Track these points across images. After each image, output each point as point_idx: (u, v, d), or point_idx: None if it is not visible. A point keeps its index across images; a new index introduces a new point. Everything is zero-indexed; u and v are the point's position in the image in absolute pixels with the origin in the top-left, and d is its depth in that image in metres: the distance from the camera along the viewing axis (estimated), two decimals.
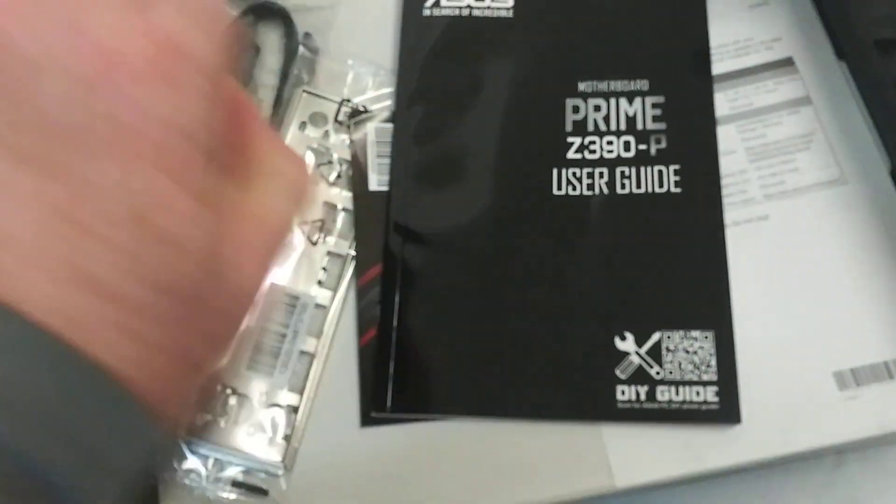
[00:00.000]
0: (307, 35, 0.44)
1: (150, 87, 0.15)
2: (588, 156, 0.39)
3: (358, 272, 0.39)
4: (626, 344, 0.35)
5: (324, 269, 0.39)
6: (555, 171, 0.39)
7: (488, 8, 0.43)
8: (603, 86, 0.41)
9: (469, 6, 0.43)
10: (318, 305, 0.38)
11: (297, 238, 0.39)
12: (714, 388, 0.34)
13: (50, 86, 0.14)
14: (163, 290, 0.16)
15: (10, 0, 0.14)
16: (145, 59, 0.15)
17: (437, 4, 0.43)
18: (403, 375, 0.36)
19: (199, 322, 0.17)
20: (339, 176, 0.41)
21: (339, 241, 0.39)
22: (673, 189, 0.38)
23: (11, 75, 0.14)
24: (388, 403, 0.35)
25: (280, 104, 0.42)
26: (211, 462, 0.37)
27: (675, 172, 0.38)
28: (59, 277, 0.14)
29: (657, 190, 0.38)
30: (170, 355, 0.16)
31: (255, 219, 0.19)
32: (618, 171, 0.38)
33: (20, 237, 0.14)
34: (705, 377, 0.34)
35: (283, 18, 0.44)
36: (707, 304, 0.36)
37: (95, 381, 0.14)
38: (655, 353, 0.35)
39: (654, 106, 0.40)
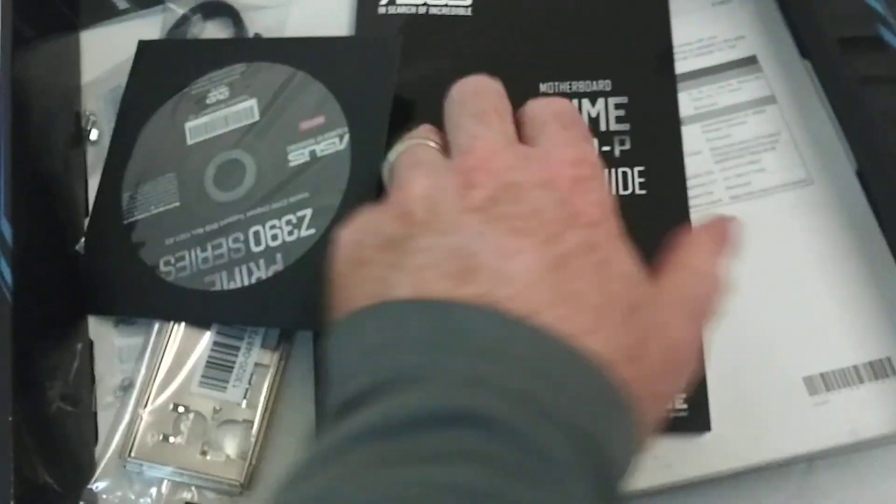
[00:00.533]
0: (257, 35, 0.42)
1: (586, 191, 0.26)
2: None
3: None
4: None
5: None
6: None
7: (446, 6, 0.42)
8: (565, 86, 0.39)
9: (426, 4, 0.41)
10: None
11: None
12: (682, 396, 0.33)
13: (542, 196, 0.25)
14: (626, 311, 0.24)
15: None
16: (579, 176, 0.26)
17: (392, 2, 0.41)
18: None
19: (660, 355, 0.24)
20: None
21: None
22: (638, 191, 0.37)
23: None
24: None
25: None
26: (165, 484, 0.35)
27: (640, 174, 0.37)
28: (555, 301, 0.23)
29: (622, 192, 0.37)
30: (653, 379, 0.24)
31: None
32: None
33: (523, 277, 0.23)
34: None
35: (233, 17, 0.43)
36: None
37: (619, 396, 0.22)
38: None
39: (618, 106, 0.39)
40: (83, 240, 0.39)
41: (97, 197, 0.40)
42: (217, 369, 0.36)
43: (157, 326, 0.37)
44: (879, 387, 0.33)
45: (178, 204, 0.38)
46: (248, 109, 0.38)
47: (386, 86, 0.36)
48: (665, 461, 0.32)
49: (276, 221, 0.36)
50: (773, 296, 0.35)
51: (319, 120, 0.37)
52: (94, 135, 0.42)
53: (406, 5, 0.41)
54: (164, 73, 0.41)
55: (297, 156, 0.36)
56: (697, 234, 0.28)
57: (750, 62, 0.40)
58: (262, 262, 0.35)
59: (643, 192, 0.37)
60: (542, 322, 0.22)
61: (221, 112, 0.39)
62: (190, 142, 0.39)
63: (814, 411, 0.33)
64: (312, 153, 0.36)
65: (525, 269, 0.23)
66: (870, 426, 0.32)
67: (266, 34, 0.43)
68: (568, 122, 0.29)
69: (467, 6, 0.41)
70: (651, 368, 0.23)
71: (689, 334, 0.26)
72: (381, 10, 0.41)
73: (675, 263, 0.27)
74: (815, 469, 0.34)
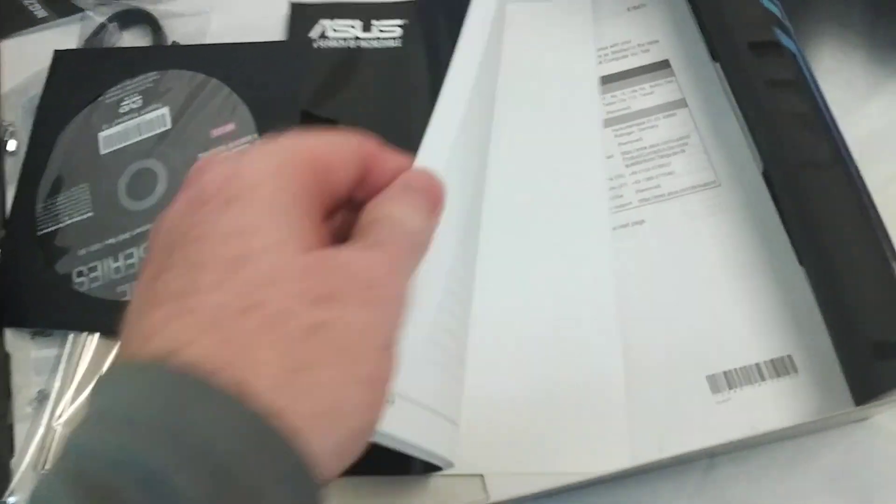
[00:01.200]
0: (175, 43, 0.42)
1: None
2: None
3: None
4: None
5: None
6: None
7: (376, 39, 0.42)
8: None
9: (357, 38, 0.42)
10: None
11: None
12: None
13: None
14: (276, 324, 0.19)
15: None
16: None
17: (323, 36, 0.42)
18: None
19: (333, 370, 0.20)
20: None
21: None
22: None
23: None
24: None
25: None
26: None
27: None
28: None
29: None
30: (325, 395, 0.20)
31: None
32: None
33: None
34: None
35: (152, 25, 0.43)
36: None
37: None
38: None
39: None
40: None
41: (13, 208, 0.40)
42: None
43: (71, 337, 0.37)
44: (780, 384, 0.33)
45: (91, 214, 0.38)
46: (160, 117, 0.38)
47: (295, 91, 0.36)
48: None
49: None
50: (679, 296, 0.35)
51: (230, 126, 0.37)
52: (11, 145, 0.42)
53: (337, 39, 0.42)
54: (79, 82, 0.41)
55: None
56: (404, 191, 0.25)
57: (663, 66, 0.41)
58: None
59: None
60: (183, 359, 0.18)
61: (134, 121, 0.39)
62: (103, 151, 0.39)
63: (716, 409, 0.33)
64: None
65: None
66: (769, 421, 0.32)
67: (185, 42, 0.43)
68: None
69: (397, 37, 0.42)
70: (319, 384, 0.19)
71: (371, 320, 0.21)
72: (315, 45, 0.41)
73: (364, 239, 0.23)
74: (716, 465, 0.34)
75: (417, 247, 0.25)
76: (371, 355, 0.21)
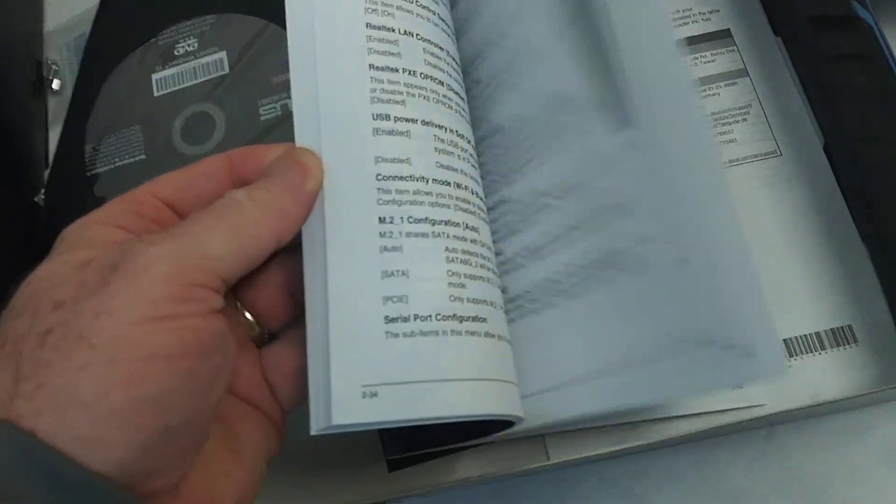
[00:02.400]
0: None
1: None
2: None
3: None
4: None
5: None
6: None
7: None
8: None
9: None
10: None
11: None
12: None
13: None
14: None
15: None
16: None
17: None
18: None
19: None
20: None
21: None
22: None
23: None
24: None
25: None
26: None
27: None
28: None
29: None
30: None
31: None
32: None
33: None
34: None
35: None
36: None
37: None
38: None
39: None
40: (42, 191, 0.38)
41: (59, 148, 0.39)
42: None
43: None
44: (841, 354, 0.33)
45: (143, 157, 0.37)
46: (217, 62, 0.37)
47: None
48: (632, 424, 0.33)
49: None
50: None
51: None
52: (56, 84, 0.41)
53: None
54: (130, 22, 0.40)
55: (269, 110, 0.36)
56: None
57: (724, 35, 0.41)
58: None
59: None
60: None
61: (190, 64, 0.38)
62: (157, 93, 0.38)
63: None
64: (284, 107, 0.35)
65: None
66: (830, 390, 0.33)
67: None
68: None
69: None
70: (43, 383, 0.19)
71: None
72: None
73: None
74: (776, 434, 0.34)
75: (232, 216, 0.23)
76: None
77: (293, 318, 0.27)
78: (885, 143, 0.34)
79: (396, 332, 0.23)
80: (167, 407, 0.20)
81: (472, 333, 0.25)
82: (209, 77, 0.37)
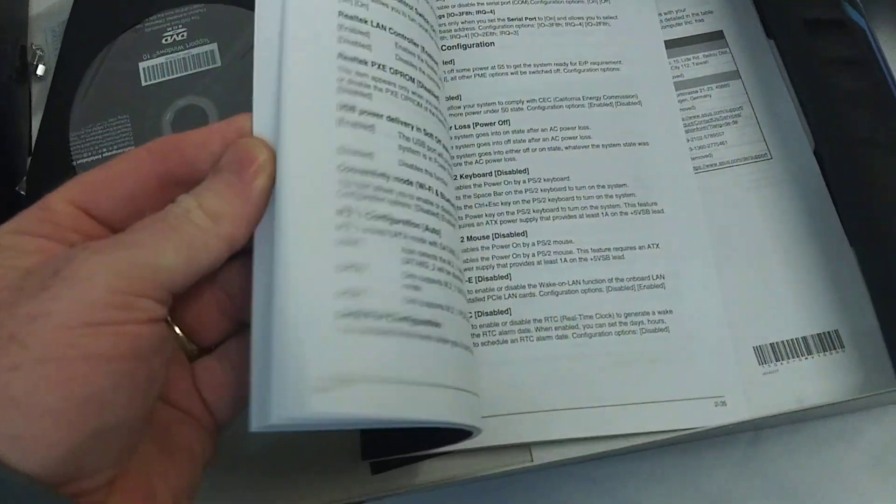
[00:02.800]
0: None
1: None
2: None
3: None
4: None
5: None
6: None
7: None
8: None
9: None
10: None
11: None
12: None
13: None
14: None
15: None
16: None
17: None
18: None
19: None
20: None
21: None
22: None
23: None
24: None
25: None
26: None
27: None
28: None
29: None
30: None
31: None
32: None
33: None
34: None
35: None
36: None
37: None
38: None
39: None
40: (24, 179, 0.37)
41: (40, 136, 0.38)
42: None
43: None
44: (827, 359, 0.33)
45: (132, 147, 0.36)
46: (208, 53, 0.37)
47: None
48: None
49: None
50: (728, 266, 0.35)
51: None
52: (40, 70, 0.40)
53: None
54: (114, 6, 0.39)
55: None
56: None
57: (717, 36, 0.41)
58: None
59: None
60: None
61: (179, 54, 0.37)
62: (145, 83, 0.37)
63: (762, 380, 0.33)
64: None
65: None
66: (816, 395, 0.33)
67: None
68: None
69: None
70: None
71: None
72: None
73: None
74: (761, 438, 0.34)
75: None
76: None
77: (224, 336, 0.27)
78: (875, 146, 0.34)
79: (349, 329, 0.23)
80: (102, 407, 0.20)
81: (425, 338, 0.25)
82: (200, 69, 0.37)
